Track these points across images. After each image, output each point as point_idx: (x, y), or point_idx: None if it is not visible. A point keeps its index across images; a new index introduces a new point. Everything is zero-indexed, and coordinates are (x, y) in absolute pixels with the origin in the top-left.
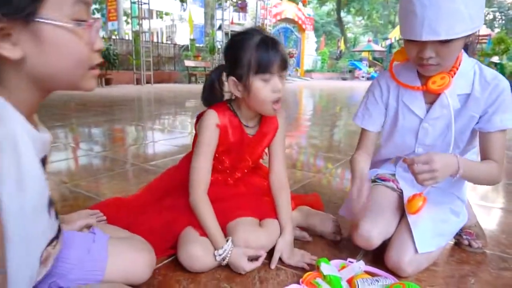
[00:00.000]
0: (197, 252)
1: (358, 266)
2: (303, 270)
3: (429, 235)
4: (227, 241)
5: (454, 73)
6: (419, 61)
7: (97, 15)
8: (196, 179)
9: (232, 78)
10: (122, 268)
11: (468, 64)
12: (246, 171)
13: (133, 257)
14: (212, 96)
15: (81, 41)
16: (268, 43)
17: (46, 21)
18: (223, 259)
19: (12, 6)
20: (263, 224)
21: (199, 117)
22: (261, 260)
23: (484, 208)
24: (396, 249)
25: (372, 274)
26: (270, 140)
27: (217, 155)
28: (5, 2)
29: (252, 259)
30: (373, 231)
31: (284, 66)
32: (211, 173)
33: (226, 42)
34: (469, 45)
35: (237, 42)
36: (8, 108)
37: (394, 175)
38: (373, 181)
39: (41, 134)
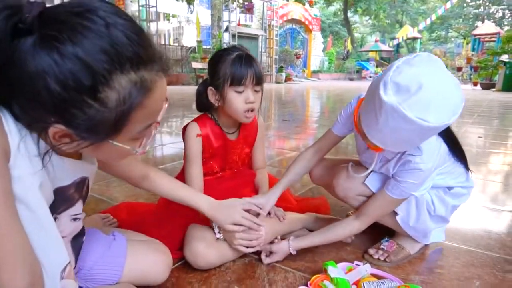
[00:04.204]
0: (200, 249)
1: (365, 269)
2: (311, 273)
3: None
4: None
5: None
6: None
7: None
8: (190, 183)
9: (211, 88)
10: (140, 268)
11: None
12: (236, 170)
13: (153, 257)
14: (201, 105)
15: (127, 153)
16: (243, 59)
17: (112, 143)
18: (219, 232)
19: (87, 133)
20: None
21: (185, 129)
22: (256, 243)
23: (493, 211)
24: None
25: (378, 277)
26: (253, 142)
27: (204, 160)
28: (84, 129)
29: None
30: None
31: (257, 81)
32: (204, 177)
33: (210, 56)
34: None
35: (217, 57)
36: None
37: None
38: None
39: (69, 160)
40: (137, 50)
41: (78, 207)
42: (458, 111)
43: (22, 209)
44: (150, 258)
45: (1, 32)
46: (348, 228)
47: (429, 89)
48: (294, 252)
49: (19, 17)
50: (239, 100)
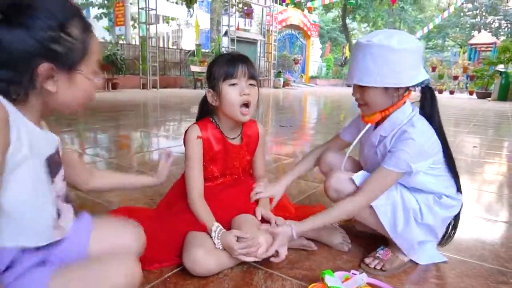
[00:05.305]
0: (199, 256)
1: (361, 278)
2: (309, 281)
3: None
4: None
5: (384, 115)
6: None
7: (105, 20)
8: (190, 186)
9: (209, 90)
10: (106, 238)
11: (402, 114)
12: (236, 177)
13: (122, 227)
14: (202, 115)
15: (93, 85)
16: (235, 56)
17: (81, 73)
18: (218, 239)
19: (66, 62)
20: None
21: (186, 133)
22: (253, 252)
23: (487, 221)
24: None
25: (374, 286)
26: (254, 149)
27: (204, 164)
28: (63, 59)
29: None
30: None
31: (250, 75)
32: (205, 183)
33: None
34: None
35: (213, 61)
36: (18, 114)
37: None
38: None
39: (46, 133)
40: (74, 4)
41: (63, 169)
42: (405, 46)
43: (30, 170)
44: (116, 227)
45: None
46: (352, 204)
47: (384, 30)
48: (296, 237)
49: None
50: (234, 93)
